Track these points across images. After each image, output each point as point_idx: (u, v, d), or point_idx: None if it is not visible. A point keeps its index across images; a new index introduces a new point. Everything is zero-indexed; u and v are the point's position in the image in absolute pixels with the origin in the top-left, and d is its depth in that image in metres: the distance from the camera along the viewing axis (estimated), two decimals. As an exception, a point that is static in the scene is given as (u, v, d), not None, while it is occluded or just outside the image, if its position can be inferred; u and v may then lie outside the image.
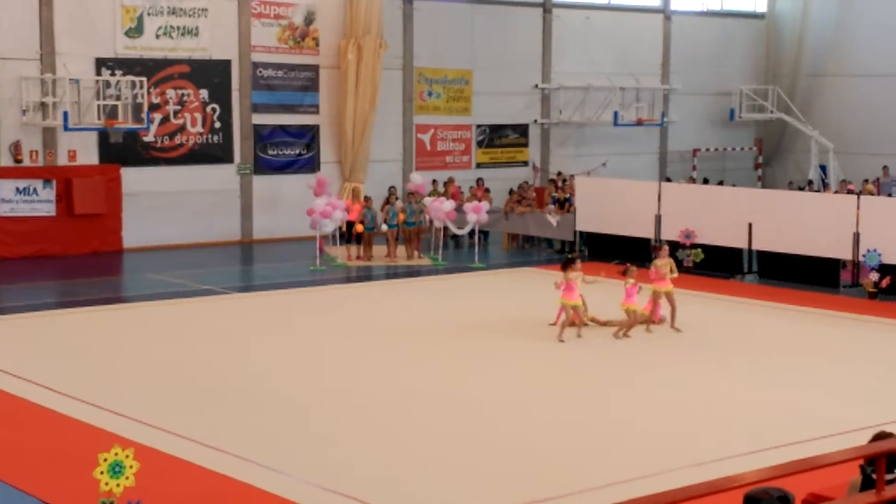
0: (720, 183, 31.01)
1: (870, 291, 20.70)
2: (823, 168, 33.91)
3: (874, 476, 6.52)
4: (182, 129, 27.18)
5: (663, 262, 17.44)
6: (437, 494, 10.33)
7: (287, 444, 11.67)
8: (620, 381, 14.60)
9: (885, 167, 31.30)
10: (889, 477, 6.45)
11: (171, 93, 26.92)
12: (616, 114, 32.40)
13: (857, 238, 21.21)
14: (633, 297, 17.03)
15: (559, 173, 31.55)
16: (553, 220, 26.37)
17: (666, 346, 16.64)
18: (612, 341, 16.81)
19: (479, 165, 31.91)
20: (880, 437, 7.35)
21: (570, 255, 19.47)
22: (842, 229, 21.38)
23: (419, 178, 26.80)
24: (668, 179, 32.21)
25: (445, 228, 25.65)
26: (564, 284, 16.61)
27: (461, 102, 31.68)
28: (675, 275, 17.64)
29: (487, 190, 29.07)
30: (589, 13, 33.72)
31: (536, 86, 32.93)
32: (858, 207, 21.40)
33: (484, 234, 27.30)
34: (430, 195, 26.56)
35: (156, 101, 26.58)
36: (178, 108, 27.08)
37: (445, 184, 28.92)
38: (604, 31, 33.66)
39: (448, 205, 24.87)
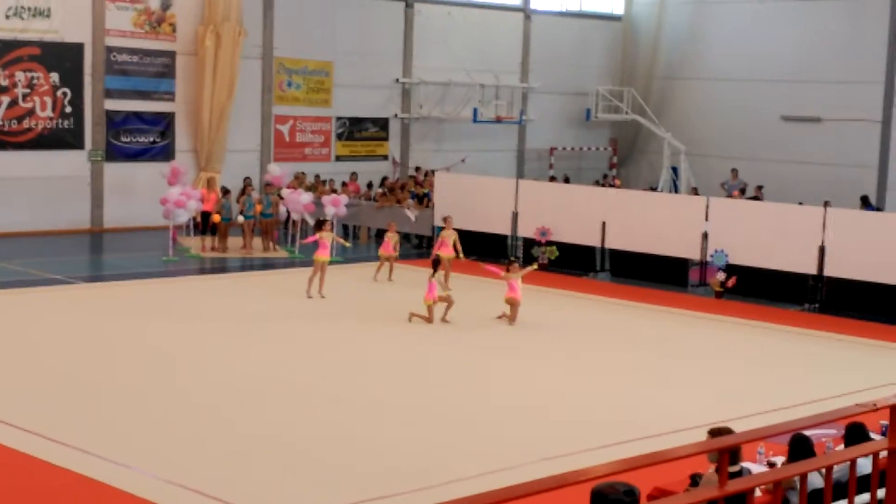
0: (652, 185, 31.66)
1: (717, 291, 21.28)
2: (675, 170, 34.74)
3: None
4: (31, 113, 26.31)
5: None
6: (295, 493, 10.22)
7: (135, 439, 11.40)
8: (468, 378, 14.65)
9: (733, 169, 32.21)
10: (733, 469, 6.61)
11: (20, 75, 26.03)
12: (475, 110, 32.62)
13: (705, 238, 21.78)
14: (434, 292, 17.63)
15: (418, 168, 31.59)
16: (412, 214, 26.38)
17: (516, 343, 16.78)
18: (463, 334, 16.90)
19: (338, 158, 31.73)
20: (716, 433, 7.59)
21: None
22: (691, 230, 21.91)
23: (277, 170, 26.50)
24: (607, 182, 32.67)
25: (303, 220, 25.42)
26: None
27: (321, 94, 31.43)
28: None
29: (345, 183, 28.91)
30: (451, 9, 33.87)
31: (397, 80, 32.92)
32: (707, 209, 21.97)
33: (344, 227, 27.14)
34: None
35: (4, 83, 25.69)
36: (28, 91, 26.21)
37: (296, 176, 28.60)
38: (465, 28, 33.86)
39: (306, 197, 24.66)
